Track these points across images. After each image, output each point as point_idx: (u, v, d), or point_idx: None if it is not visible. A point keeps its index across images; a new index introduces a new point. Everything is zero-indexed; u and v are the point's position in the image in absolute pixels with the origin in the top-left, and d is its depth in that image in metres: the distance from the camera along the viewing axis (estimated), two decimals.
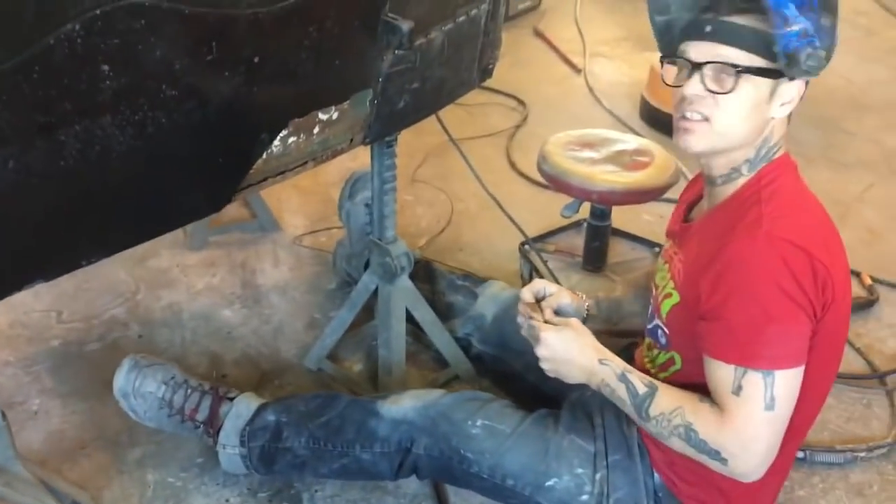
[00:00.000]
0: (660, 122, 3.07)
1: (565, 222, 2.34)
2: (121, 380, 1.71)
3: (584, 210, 2.20)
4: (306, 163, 1.51)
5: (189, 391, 1.71)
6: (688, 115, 1.30)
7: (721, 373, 1.26)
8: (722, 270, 1.27)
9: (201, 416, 1.70)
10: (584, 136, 2.20)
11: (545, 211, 2.52)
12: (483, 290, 2.02)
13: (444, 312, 2.03)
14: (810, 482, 1.78)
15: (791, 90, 1.28)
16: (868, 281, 2.37)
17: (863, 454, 1.82)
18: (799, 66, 1.20)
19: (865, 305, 2.29)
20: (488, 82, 3.52)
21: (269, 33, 1.23)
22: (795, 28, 1.17)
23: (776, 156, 1.33)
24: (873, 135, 3.34)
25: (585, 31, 4.11)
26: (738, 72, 1.24)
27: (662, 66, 1.37)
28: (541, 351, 1.42)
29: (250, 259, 2.43)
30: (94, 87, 1.06)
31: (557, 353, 1.41)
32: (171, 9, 1.09)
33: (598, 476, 1.48)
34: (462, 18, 1.65)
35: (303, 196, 2.74)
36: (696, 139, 1.31)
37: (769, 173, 1.33)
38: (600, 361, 1.39)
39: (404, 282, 1.89)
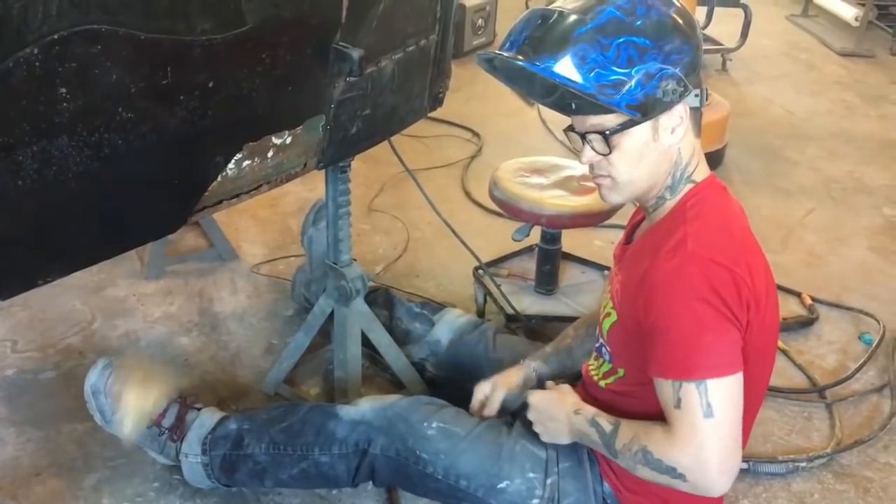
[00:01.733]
0: None
1: (518, 247, 2.40)
2: (94, 377, 1.72)
3: (536, 235, 2.26)
4: (261, 186, 1.55)
5: None
6: (595, 177, 1.42)
7: (663, 389, 1.31)
8: (651, 291, 1.34)
9: (167, 421, 1.72)
10: (534, 162, 2.27)
11: (499, 237, 2.59)
12: (440, 318, 2.08)
13: (402, 339, 2.08)
14: (754, 492, 1.84)
15: (672, 118, 1.34)
16: (808, 301, 2.47)
17: (804, 464, 1.88)
18: (660, 102, 1.29)
19: (806, 324, 2.38)
20: (444, 115, 3.63)
21: (222, 59, 1.28)
22: (632, 83, 1.26)
23: (695, 173, 1.40)
24: (814, 163, 3.48)
25: None
26: (607, 135, 1.33)
27: (567, 136, 1.45)
28: (530, 415, 1.54)
29: (208, 287, 2.45)
30: (52, 109, 1.10)
31: (542, 412, 1.53)
32: (127, 34, 1.14)
33: (549, 481, 1.52)
34: (412, 48, 1.72)
35: (261, 225, 2.77)
36: (610, 194, 1.43)
37: (693, 196, 1.41)
38: (575, 412, 1.47)
39: (359, 305, 1.93)
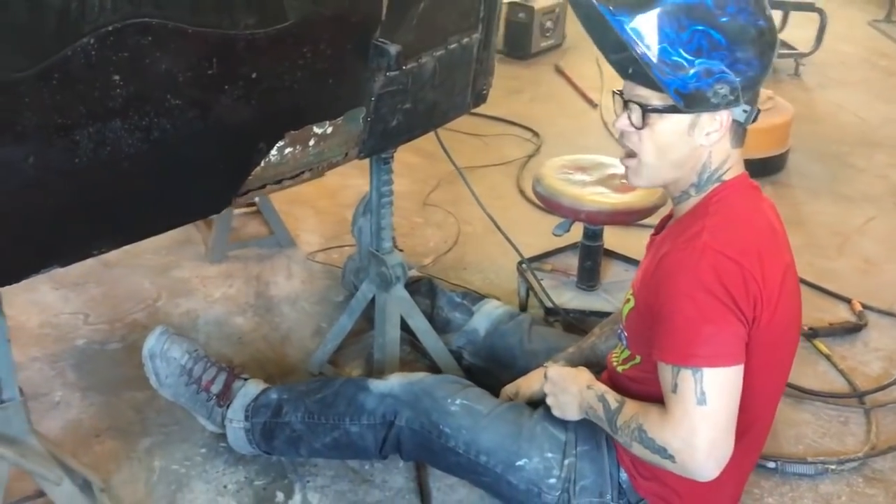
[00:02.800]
0: None
1: (563, 244, 2.45)
2: (151, 341, 1.86)
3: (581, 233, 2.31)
4: (303, 172, 1.65)
5: (208, 365, 1.87)
6: (626, 155, 1.46)
7: (663, 373, 1.36)
8: (662, 277, 1.39)
9: (216, 388, 1.84)
10: (579, 160, 2.32)
11: (549, 234, 2.61)
12: (479, 308, 2.15)
13: (443, 327, 2.16)
14: (780, 491, 1.85)
15: (713, 121, 1.37)
16: (858, 307, 2.44)
17: (834, 466, 1.88)
18: (707, 102, 1.32)
19: (853, 330, 2.36)
20: (506, 114, 3.71)
21: (265, 52, 1.38)
22: (692, 71, 1.29)
23: (725, 178, 1.43)
24: (882, 171, 3.41)
25: (605, 69, 4.24)
26: (646, 110, 1.36)
27: (613, 98, 1.49)
28: (546, 387, 1.61)
29: (265, 272, 2.58)
30: (106, 94, 1.22)
31: (556, 384, 1.59)
32: (176, 27, 1.25)
33: (566, 462, 1.58)
34: (454, 46, 1.80)
35: (319, 216, 2.90)
36: (634, 176, 1.48)
37: (718, 192, 1.44)
38: (588, 387, 1.54)
39: (399, 291, 2.02)
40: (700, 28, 1.29)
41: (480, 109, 3.81)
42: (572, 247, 2.45)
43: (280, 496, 1.81)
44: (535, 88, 4.04)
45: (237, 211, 2.70)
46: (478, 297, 2.22)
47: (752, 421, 1.46)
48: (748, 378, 1.35)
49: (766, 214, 1.48)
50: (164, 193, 1.41)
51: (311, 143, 1.61)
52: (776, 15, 4.37)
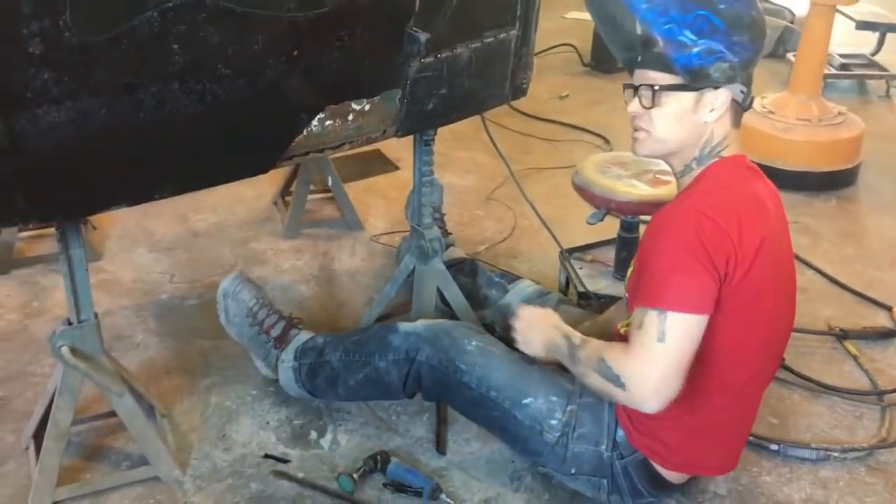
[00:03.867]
0: None
1: (606, 237, 2.58)
2: (227, 282, 2.13)
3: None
4: (343, 144, 1.87)
5: (271, 312, 2.12)
6: (635, 129, 1.65)
7: (635, 315, 1.52)
8: (651, 234, 1.56)
9: (275, 332, 2.09)
10: (620, 156, 2.46)
11: (599, 230, 2.77)
12: (514, 286, 2.33)
13: (481, 303, 2.35)
14: (778, 471, 1.92)
15: (716, 98, 1.56)
16: None
17: (836, 454, 1.94)
18: (709, 77, 1.52)
19: (886, 335, 2.38)
20: (581, 122, 3.85)
21: (304, 33, 1.62)
22: (695, 49, 1.49)
23: (723, 154, 1.60)
24: None
25: None
26: (656, 90, 1.55)
27: (624, 91, 1.68)
28: (515, 322, 1.78)
29: (332, 249, 2.84)
30: (166, 60, 1.48)
31: (525, 321, 1.76)
32: (226, 7, 1.49)
33: (569, 408, 1.72)
34: (490, 40, 1.99)
35: (389, 204, 3.13)
36: (641, 146, 1.66)
37: (715, 166, 1.61)
38: (555, 326, 1.70)
39: (437, 264, 2.22)
40: (702, 13, 1.50)
41: (555, 116, 4.02)
42: (613, 240, 2.58)
43: (314, 434, 2.03)
44: (615, 100, 4.14)
45: (312, 196, 2.97)
46: (514, 278, 2.39)
47: (729, 381, 1.58)
48: (722, 334, 1.51)
49: (754, 188, 1.61)
50: (216, 150, 1.66)
51: (350, 117, 1.83)
52: (872, 37, 4.36)
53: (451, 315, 2.33)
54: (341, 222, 2.96)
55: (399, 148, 3.23)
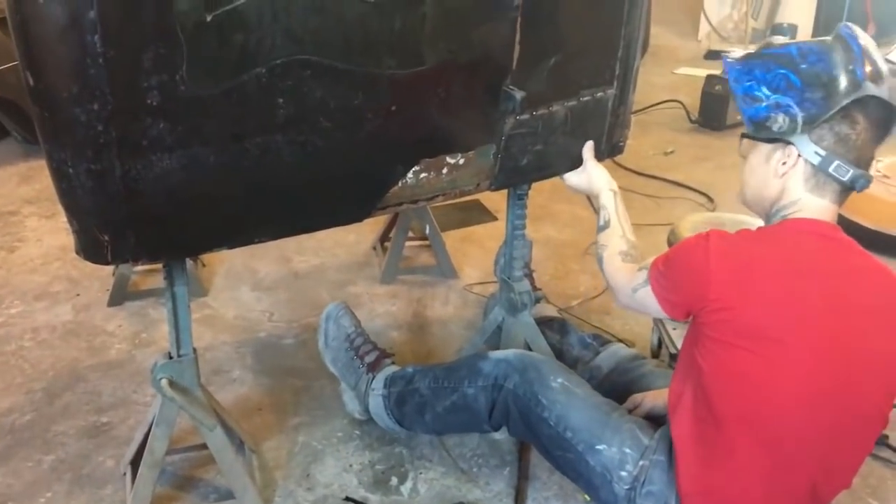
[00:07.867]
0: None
1: None
2: (332, 307, 2.26)
3: None
4: (437, 196, 1.92)
5: (367, 341, 2.22)
6: None
7: (647, 261, 1.74)
8: None
9: (369, 359, 2.17)
10: (718, 217, 2.42)
11: None
12: (606, 348, 2.31)
13: (570, 364, 2.32)
14: None
15: (784, 156, 1.59)
16: None
17: None
18: (768, 129, 1.56)
19: None
20: (686, 181, 3.81)
21: (403, 90, 1.68)
22: (764, 103, 1.56)
23: (792, 216, 1.59)
24: None
25: None
26: (741, 138, 1.66)
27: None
28: (587, 166, 2.07)
29: (426, 297, 2.88)
30: (272, 113, 1.56)
31: (592, 171, 2.06)
32: (330, 65, 1.57)
33: (641, 463, 1.70)
34: (587, 98, 2.01)
35: (485, 253, 3.16)
36: (741, 197, 1.74)
37: (782, 223, 1.62)
38: (609, 189, 2.02)
39: (526, 317, 2.22)
40: (783, 71, 1.55)
41: (659, 173, 3.98)
42: None
43: (395, 480, 2.05)
44: (722, 158, 4.10)
45: (410, 243, 3.04)
46: (606, 340, 2.36)
47: (759, 422, 1.54)
48: (748, 364, 1.51)
49: (810, 248, 1.56)
50: (315, 198, 1.73)
51: (444, 171, 1.88)
52: None
53: None
54: (437, 270, 3.01)
55: (498, 199, 3.26)
